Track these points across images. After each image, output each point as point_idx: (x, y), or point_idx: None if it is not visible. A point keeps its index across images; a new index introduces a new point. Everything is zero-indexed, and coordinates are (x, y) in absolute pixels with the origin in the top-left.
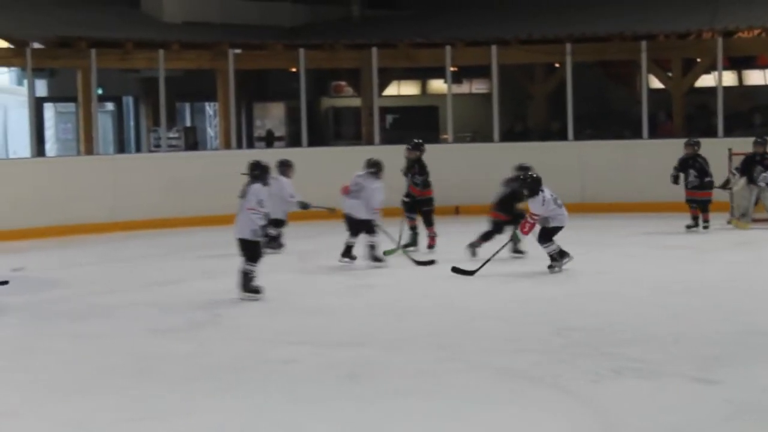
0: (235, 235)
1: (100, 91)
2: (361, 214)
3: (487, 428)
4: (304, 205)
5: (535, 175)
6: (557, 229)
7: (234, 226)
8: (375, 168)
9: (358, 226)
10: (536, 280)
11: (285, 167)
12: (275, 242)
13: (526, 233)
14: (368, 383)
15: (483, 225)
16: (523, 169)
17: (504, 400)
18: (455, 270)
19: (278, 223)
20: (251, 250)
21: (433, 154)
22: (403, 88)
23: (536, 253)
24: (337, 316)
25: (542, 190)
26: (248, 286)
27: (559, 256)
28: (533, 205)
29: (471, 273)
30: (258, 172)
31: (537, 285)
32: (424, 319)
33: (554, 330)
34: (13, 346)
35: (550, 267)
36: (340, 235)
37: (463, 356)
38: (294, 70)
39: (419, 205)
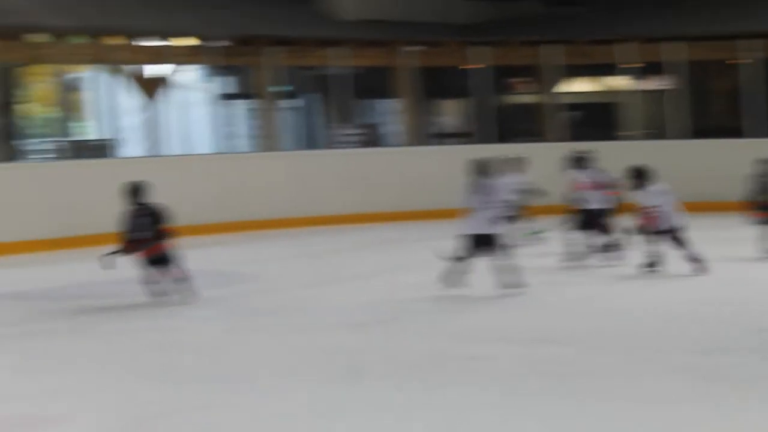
0: (470, 231)
1: (287, 88)
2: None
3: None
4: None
5: (642, 169)
6: (675, 229)
7: (466, 223)
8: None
9: (599, 221)
10: (723, 282)
11: (513, 163)
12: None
13: (643, 227)
14: (565, 383)
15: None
16: None
17: (709, 402)
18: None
19: (510, 219)
20: (492, 244)
21: (611, 152)
22: (581, 85)
23: (715, 255)
24: (532, 313)
25: (648, 183)
26: (509, 281)
27: (653, 261)
28: (640, 198)
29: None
30: (482, 169)
31: (725, 287)
32: (618, 319)
33: (751, 331)
34: (211, 340)
35: (643, 266)
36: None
37: (661, 358)
38: (470, 66)
39: None
